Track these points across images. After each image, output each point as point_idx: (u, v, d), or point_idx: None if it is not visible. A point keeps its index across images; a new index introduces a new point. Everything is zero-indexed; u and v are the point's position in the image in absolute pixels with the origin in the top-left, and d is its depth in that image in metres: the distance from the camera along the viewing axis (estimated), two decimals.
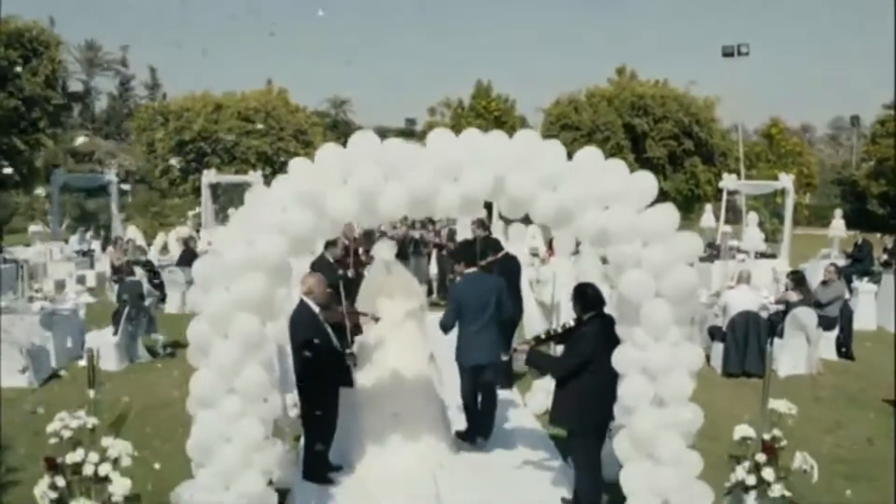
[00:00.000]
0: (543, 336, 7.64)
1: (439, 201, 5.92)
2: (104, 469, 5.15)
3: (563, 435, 7.55)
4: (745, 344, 12.18)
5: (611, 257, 6.08)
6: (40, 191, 17.87)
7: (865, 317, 16.44)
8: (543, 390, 9.67)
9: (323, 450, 7.84)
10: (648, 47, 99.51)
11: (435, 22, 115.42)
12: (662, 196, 6.24)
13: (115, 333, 12.74)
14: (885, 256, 19.07)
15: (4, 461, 8.22)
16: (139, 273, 14.88)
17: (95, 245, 25.00)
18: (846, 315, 13.97)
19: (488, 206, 13.48)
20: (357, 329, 8.21)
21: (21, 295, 13.79)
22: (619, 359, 6.24)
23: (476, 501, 7.29)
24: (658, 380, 6.03)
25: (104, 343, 12.45)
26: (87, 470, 5.12)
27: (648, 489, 6.15)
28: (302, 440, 8.23)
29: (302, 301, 7.56)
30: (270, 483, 7.17)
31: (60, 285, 18.15)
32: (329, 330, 7.64)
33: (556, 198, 5.91)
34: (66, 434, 5.20)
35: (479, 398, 8.86)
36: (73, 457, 5.14)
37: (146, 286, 14.25)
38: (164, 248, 24.70)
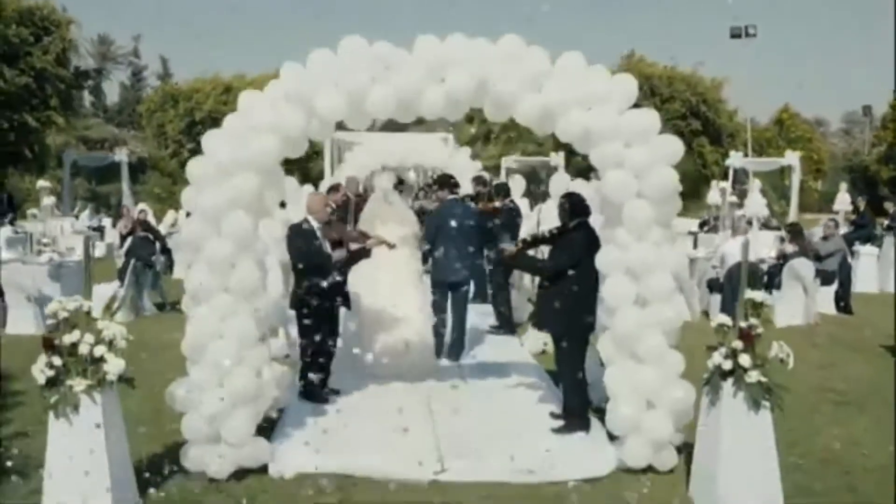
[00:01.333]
0: (530, 239, 7.83)
1: (425, 102, 6.09)
2: (99, 350, 5.32)
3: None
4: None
5: (594, 159, 6.22)
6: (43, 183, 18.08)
7: (867, 279, 16.48)
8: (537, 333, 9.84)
9: (320, 370, 8.00)
10: (656, 38, 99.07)
11: (445, 13, 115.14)
12: None
13: (122, 286, 12.96)
14: (886, 221, 19.07)
15: (10, 387, 8.49)
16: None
17: (106, 222, 25.30)
18: (845, 270, 14.04)
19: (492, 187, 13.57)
20: (365, 252, 8.51)
21: (30, 250, 14.03)
22: (602, 260, 6.39)
23: (469, 419, 7.43)
24: (640, 279, 6.18)
25: (109, 295, 12.66)
26: (83, 350, 5.30)
27: (631, 388, 6.29)
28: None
29: (304, 217, 7.85)
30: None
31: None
32: (327, 247, 7.83)
33: (540, 99, 6.07)
34: (63, 315, 5.38)
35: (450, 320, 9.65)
36: (69, 337, 5.32)
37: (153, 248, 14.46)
38: (174, 224, 24.92)
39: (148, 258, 13.48)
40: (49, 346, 5.36)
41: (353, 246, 8.38)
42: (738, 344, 5.58)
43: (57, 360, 5.31)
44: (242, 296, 6.08)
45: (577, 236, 6.91)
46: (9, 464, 6.26)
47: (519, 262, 7.60)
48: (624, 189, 6.09)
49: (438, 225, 9.40)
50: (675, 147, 6.14)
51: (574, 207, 7.03)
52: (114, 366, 5.34)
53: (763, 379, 5.54)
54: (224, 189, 5.94)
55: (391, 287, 8.96)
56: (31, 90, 25.34)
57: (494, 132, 46.88)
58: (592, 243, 6.73)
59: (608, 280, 6.32)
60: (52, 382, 5.31)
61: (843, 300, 13.90)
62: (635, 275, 6.18)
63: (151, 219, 23.31)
